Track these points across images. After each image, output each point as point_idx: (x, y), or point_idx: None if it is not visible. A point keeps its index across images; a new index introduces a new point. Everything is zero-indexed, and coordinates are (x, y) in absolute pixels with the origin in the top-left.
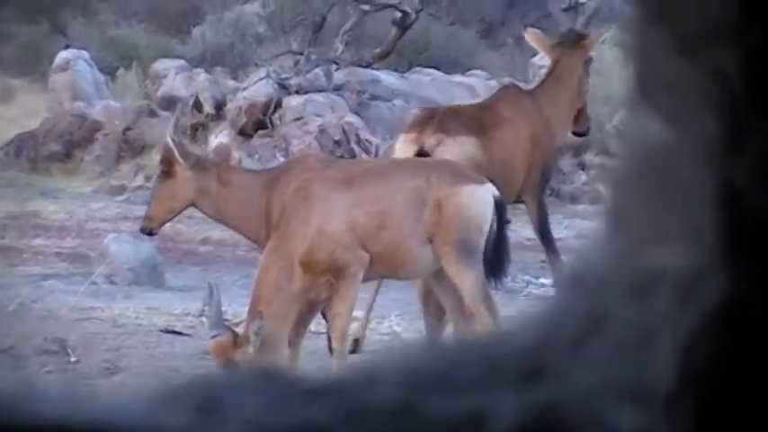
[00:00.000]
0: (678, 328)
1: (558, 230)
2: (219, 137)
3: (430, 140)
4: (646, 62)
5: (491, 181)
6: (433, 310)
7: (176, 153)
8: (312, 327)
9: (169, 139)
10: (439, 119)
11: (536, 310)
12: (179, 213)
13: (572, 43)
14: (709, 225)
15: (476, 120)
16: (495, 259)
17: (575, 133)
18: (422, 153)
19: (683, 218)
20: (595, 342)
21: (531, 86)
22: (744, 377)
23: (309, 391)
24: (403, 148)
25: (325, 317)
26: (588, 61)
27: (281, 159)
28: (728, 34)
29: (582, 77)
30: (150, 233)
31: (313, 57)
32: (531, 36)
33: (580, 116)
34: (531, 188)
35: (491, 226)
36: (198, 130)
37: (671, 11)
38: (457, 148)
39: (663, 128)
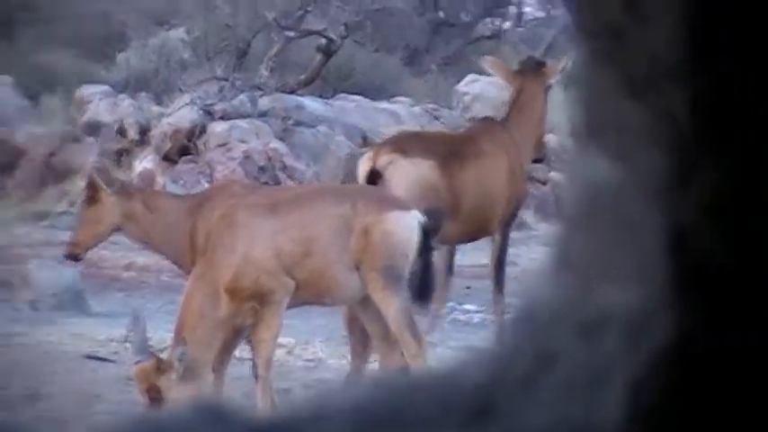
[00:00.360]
0: (627, 366)
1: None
2: (144, 162)
3: (382, 159)
4: (594, 102)
5: (456, 210)
6: (359, 336)
7: (100, 179)
8: (237, 353)
9: (93, 166)
10: (399, 140)
11: (485, 347)
12: (105, 239)
13: (533, 71)
14: (658, 263)
15: (449, 147)
16: (421, 285)
17: (533, 160)
18: (373, 172)
19: (632, 256)
20: (545, 380)
21: (500, 118)
22: (691, 414)
23: (257, 430)
24: (360, 167)
25: (250, 343)
26: (548, 89)
27: (206, 185)
28: (677, 76)
29: (543, 106)
30: (76, 258)
31: (238, 83)
32: (490, 64)
33: (538, 142)
34: (503, 220)
35: (417, 252)
36: (122, 156)
37: (620, 53)
38: (410, 169)
39: (611, 167)
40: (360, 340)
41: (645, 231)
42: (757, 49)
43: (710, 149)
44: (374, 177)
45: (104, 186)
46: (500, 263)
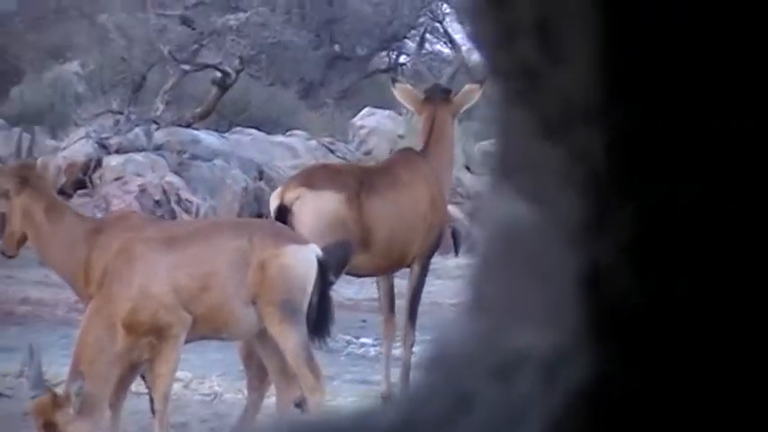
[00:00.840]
0: (544, 408)
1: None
2: None
3: (290, 194)
4: (508, 142)
5: (370, 242)
6: (255, 370)
7: (6, 178)
8: (133, 387)
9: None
10: (307, 174)
11: (403, 392)
12: (21, 240)
13: (442, 99)
14: (573, 305)
15: (359, 179)
16: (319, 319)
17: None
18: (282, 208)
19: (546, 299)
20: (462, 422)
21: (419, 149)
22: None
23: None
24: (271, 202)
25: (144, 378)
26: (455, 117)
27: None
28: (593, 117)
29: (453, 134)
30: (9, 256)
31: (133, 116)
32: (400, 91)
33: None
34: (423, 251)
35: (314, 286)
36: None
37: (534, 93)
38: (317, 203)
39: (526, 208)
40: (256, 375)
41: (559, 273)
42: (674, 90)
43: (627, 191)
44: (283, 213)
45: (5, 184)
46: (416, 294)
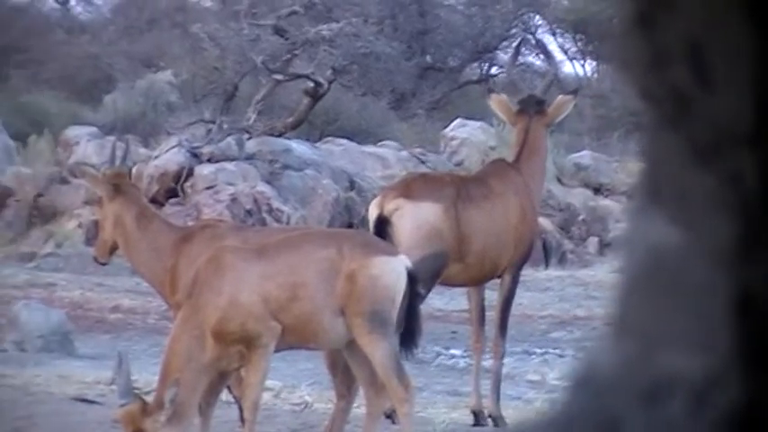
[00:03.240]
0: None
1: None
2: None
3: (389, 205)
4: (658, 167)
5: (464, 253)
6: (342, 378)
7: (92, 184)
8: (223, 396)
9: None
10: (406, 184)
11: (545, 413)
12: (114, 247)
13: (536, 111)
14: (724, 330)
15: (456, 189)
16: (407, 330)
17: None
18: (381, 218)
19: (696, 322)
20: None
21: (511, 159)
22: None
23: None
24: (370, 212)
25: (229, 389)
26: (549, 129)
27: None
28: (743, 142)
29: (547, 146)
30: (101, 263)
31: (225, 125)
32: (495, 101)
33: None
34: (513, 262)
35: (403, 297)
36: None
37: (686, 119)
38: (416, 214)
39: (674, 232)
40: (343, 382)
41: (709, 297)
42: None
43: None
44: (383, 223)
45: (99, 192)
46: (506, 305)
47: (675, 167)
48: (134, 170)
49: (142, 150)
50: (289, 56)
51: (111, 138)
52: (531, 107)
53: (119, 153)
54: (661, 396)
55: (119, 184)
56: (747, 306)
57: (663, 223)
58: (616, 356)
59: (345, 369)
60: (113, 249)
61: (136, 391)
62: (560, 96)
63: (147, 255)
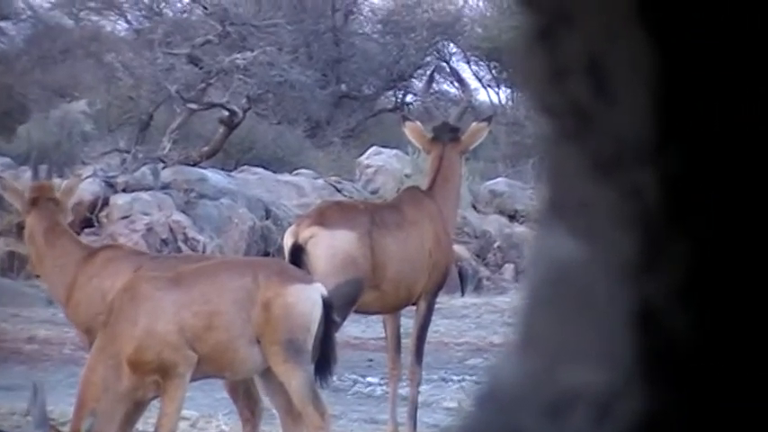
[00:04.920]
0: None
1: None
2: None
3: (304, 233)
4: (559, 181)
5: (379, 280)
6: (245, 402)
7: (7, 195)
8: (140, 426)
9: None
10: (321, 212)
11: (451, 428)
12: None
13: (450, 139)
14: (626, 344)
15: (371, 217)
16: (322, 358)
17: None
18: (296, 246)
19: (599, 337)
20: None
21: (425, 187)
22: None
23: None
24: (285, 240)
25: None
26: (463, 156)
27: None
28: (646, 155)
29: (461, 174)
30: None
31: (140, 155)
32: (410, 129)
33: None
34: (428, 289)
35: (319, 325)
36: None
37: (586, 133)
38: (331, 241)
39: (577, 246)
40: (247, 406)
41: (612, 311)
42: (728, 127)
43: (680, 229)
44: (298, 251)
45: (17, 204)
46: (422, 332)
47: (577, 181)
48: (65, 184)
49: (57, 180)
50: (203, 85)
51: (26, 168)
52: (445, 135)
53: (41, 174)
54: (564, 409)
55: (37, 197)
56: (648, 319)
57: (565, 237)
58: (520, 371)
59: (246, 393)
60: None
61: (51, 422)
62: (474, 124)
63: (52, 270)
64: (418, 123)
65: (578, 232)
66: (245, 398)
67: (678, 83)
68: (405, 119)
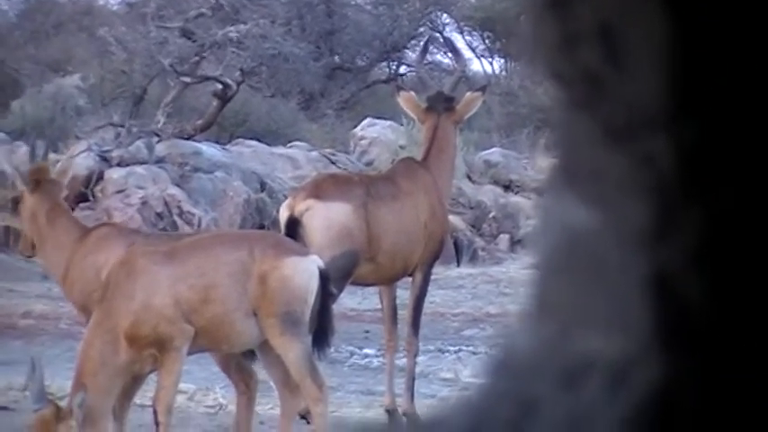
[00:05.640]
0: (611, 415)
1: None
2: None
3: (300, 206)
4: (571, 149)
5: (375, 252)
6: (238, 375)
7: (20, 178)
8: (138, 399)
9: (7, 166)
10: (316, 184)
11: (465, 396)
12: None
13: (445, 108)
14: (640, 312)
15: (366, 189)
16: (320, 330)
17: None
18: (292, 219)
19: (613, 304)
20: (528, 428)
21: (420, 158)
22: None
23: None
24: (281, 213)
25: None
26: (458, 126)
27: None
28: (659, 123)
29: (456, 143)
30: (29, 255)
31: (134, 129)
32: (404, 99)
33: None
34: (424, 260)
35: (316, 297)
36: (19, 203)
37: (599, 101)
38: (326, 214)
39: (590, 214)
40: (241, 378)
41: (626, 279)
42: (742, 94)
43: (694, 196)
44: (294, 224)
45: (23, 185)
46: (419, 303)
47: (589, 149)
48: (58, 166)
49: (52, 155)
50: (197, 58)
51: (20, 143)
52: (440, 104)
53: (39, 152)
54: (579, 378)
55: (39, 179)
56: (663, 287)
57: (578, 205)
58: (534, 339)
59: (238, 367)
60: (34, 244)
61: (49, 397)
62: (468, 93)
63: (52, 251)
64: (412, 93)
65: (591, 200)
66: (237, 371)
67: (691, 49)
68: (399, 89)
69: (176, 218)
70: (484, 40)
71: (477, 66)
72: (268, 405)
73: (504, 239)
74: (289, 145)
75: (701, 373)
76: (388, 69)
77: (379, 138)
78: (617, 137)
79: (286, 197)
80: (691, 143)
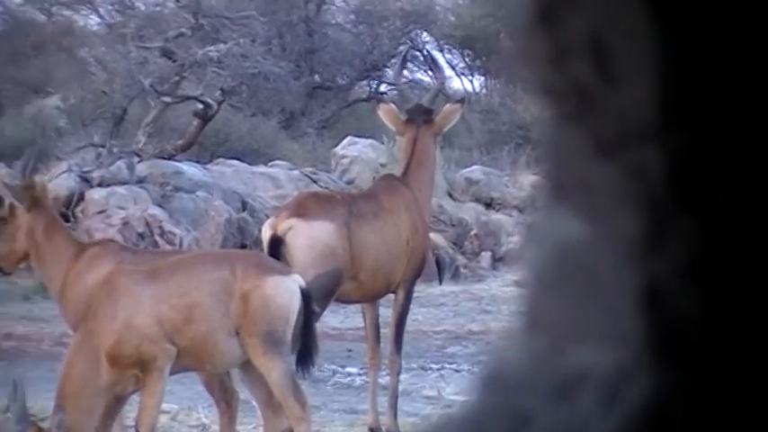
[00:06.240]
0: (603, 429)
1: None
2: None
3: (283, 225)
4: (561, 162)
5: (357, 270)
6: (220, 394)
7: (14, 196)
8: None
9: (5, 183)
10: (299, 203)
11: (455, 412)
12: (23, 254)
13: (424, 121)
14: (633, 324)
15: (348, 207)
16: (304, 349)
17: None
18: (275, 238)
19: (605, 317)
20: None
21: (399, 173)
22: None
23: None
24: (263, 233)
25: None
26: (437, 138)
27: None
28: (649, 135)
29: (435, 156)
30: (2, 272)
31: (115, 149)
32: (384, 111)
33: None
34: (406, 277)
35: (298, 316)
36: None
37: (589, 113)
38: (310, 233)
39: (580, 227)
40: (222, 398)
41: (618, 291)
42: (732, 106)
43: (685, 208)
44: (277, 243)
45: (17, 203)
46: (401, 321)
47: (579, 162)
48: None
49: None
50: (177, 78)
51: (1, 164)
52: (419, 116)
53: (29, 172)
54: (572, 391)
55: (35, 196)
56: (654, 299)
57: (569, 218)
58: (526, 353)
59: (221, 386)
60: (22, 260)
61: (32, 418)
62: (448, 105)
63: (51, 268)
64: (392, 105)
65: (582, 213)
66: (220, 390)
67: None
68: (379, 101)
69: (158, 238)
70: (464, 58)
71: (458, 84)
72: (251, 425)
73: (485, 257)
74: (270, 164)
75: (694, 385)
76: (368, 88)
77: (360, 156)
78: (607, 149)
79: (267, 216)
80: (681, 154)
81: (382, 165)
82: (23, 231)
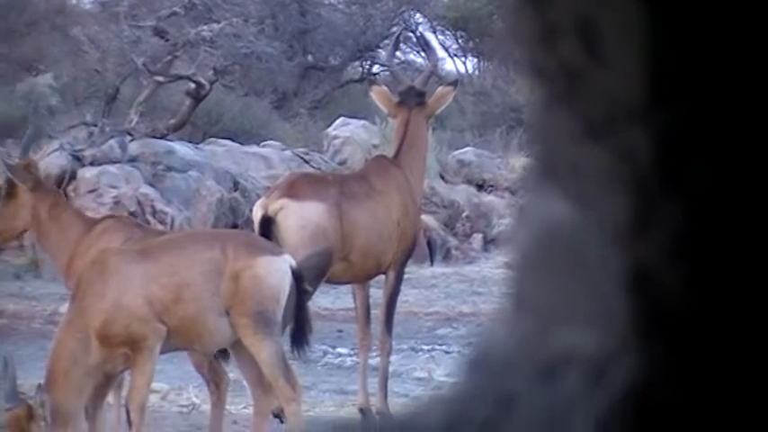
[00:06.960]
0: (589, 410)
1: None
2: None
3: (274, 206)
4: (549, 144)
5: (348, 250)
6: (211, 375)
7: (16, 176)
8: (111, 399)
9: (2, 162)
10: (290, 184)
11: (441, 393)
12: (21, 233)
13: (416, 103)
14: (619, 306)
15: (339, 188)
16: (297, 328)
17: None
18: (266, 218)
19: (592, 299)
20: (505, 425)
21: (391, 154)
22: None
23: None
24: (255, 213)
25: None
26: (429, 120)
27: None
28: (637, 117)
29: (427, 138)
30: None
31: (107, 128)
32: (376, 93)
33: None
34: (397, 258)
35: (289, 296)
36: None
37: (577, 95)
38: (301, 213)
39: (568, 209)
40: (212, 379)
41: (605, 273)
42: (721, 87)
43: (672, 190)
44: (268, 224)
45: (20, 183)
46: (392, 302)
47: (567, 144)
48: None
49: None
50: (170, 57)
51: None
52: (412, 99)
53: (30, 145)
54: (557, 373)
55: (37, 174)
56: (641, 281)
57: (556, 200)
58: (511, 335)
59: (210, 366)
60: (18, 236)
61: (22, 396)
62: (440, 88)
63: (57, 244)
64: (385, 88)
65: (570, 195)
66: (210, 371)
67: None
68: (371, 83)
69: (149, 217)
70: (457, 40)
71: (450, 65)
72: (241, 404)
73: (477, 239)
74: (262, 144)
75: (680, 367)
76: (361, 69)
77: (352, 137)
78: (596, 131)
79: (259, 196)
80: (669, 136)
81: (374, 146)
82: (27, 210)
